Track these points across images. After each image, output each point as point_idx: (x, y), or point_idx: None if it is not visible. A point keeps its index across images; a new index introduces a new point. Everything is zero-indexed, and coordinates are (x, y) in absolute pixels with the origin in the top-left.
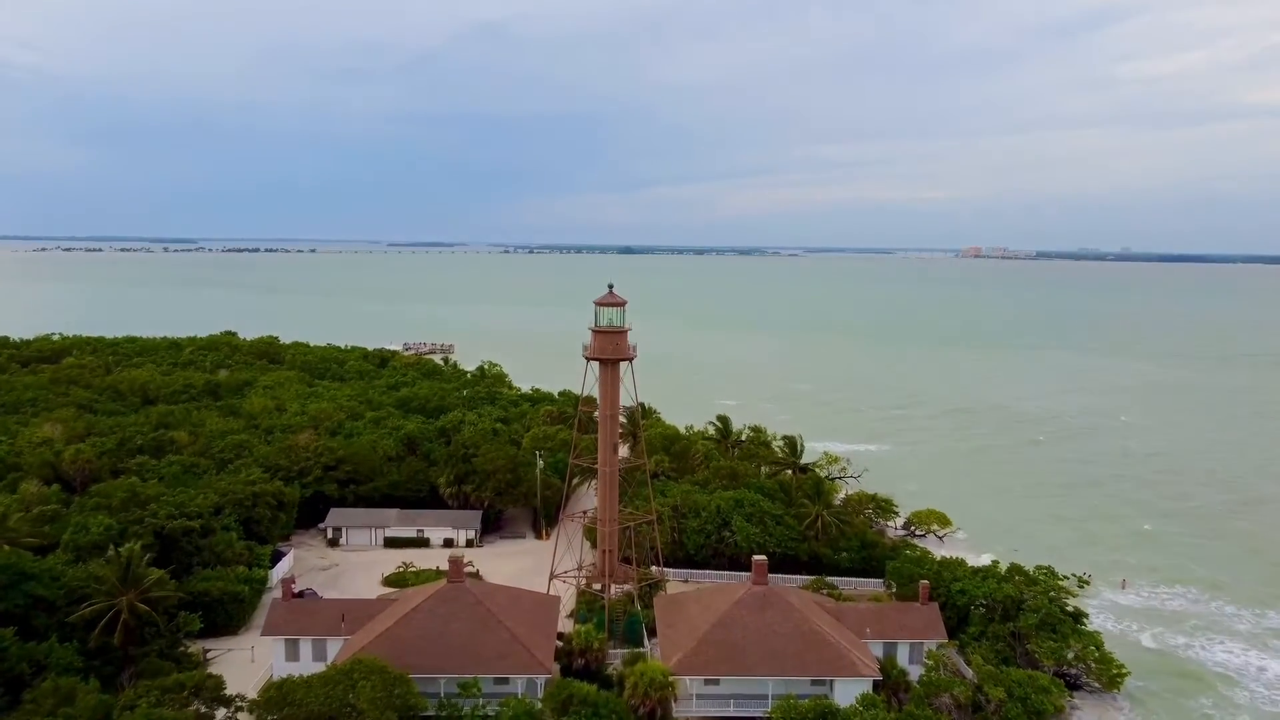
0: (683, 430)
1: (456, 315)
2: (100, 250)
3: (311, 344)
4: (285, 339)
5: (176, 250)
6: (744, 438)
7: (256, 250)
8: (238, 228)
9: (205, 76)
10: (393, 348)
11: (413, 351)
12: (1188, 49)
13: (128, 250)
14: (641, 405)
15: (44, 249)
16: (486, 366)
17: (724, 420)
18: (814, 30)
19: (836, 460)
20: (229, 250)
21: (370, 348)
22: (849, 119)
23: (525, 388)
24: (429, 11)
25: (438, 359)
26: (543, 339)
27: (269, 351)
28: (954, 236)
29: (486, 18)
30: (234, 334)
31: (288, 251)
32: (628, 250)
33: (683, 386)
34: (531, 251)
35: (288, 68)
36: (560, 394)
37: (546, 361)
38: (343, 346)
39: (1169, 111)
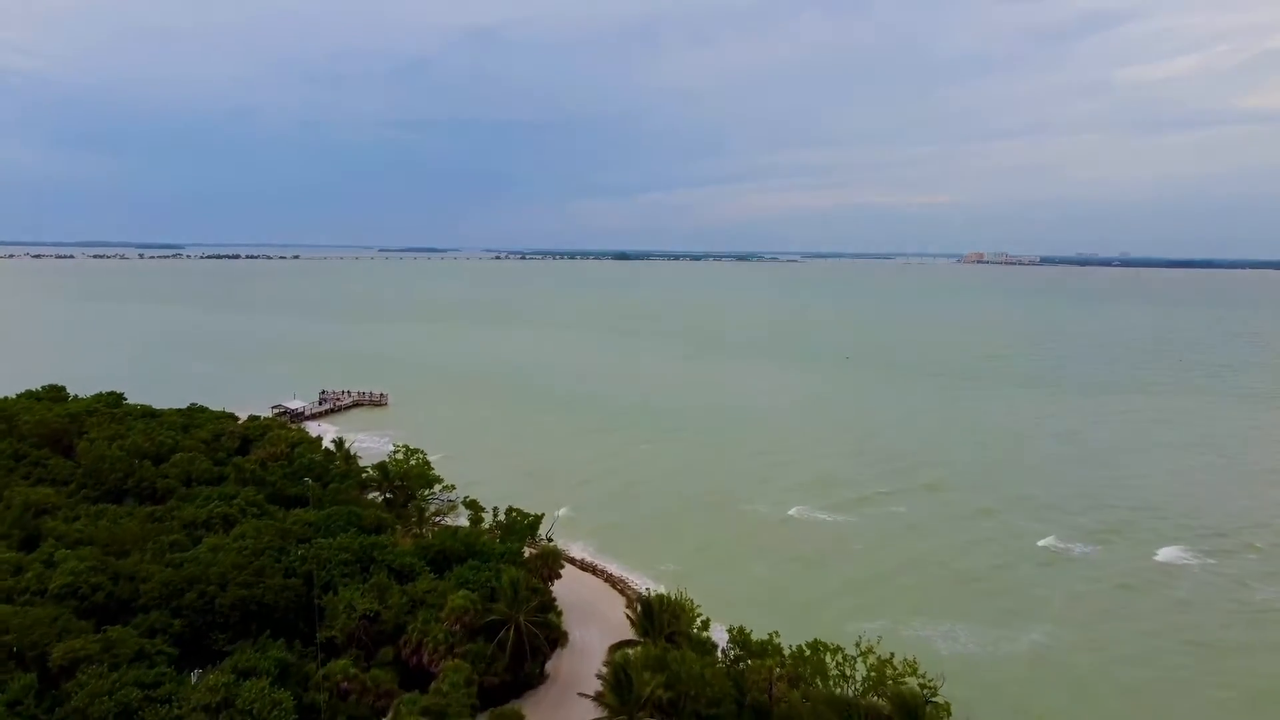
0: (724, 655)
1: (413, 337)
2: (71, 257)
3: (155, 408)
4: (148, 387)
5: (155, 256)
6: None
7: (237, 257)
8: (225, 233)
9: (198, 82)
10: (294, 405)
11: (328, 405)
12: (1181, 54)
13: (101, 256)
14: (668, 598)
15: (12, 255)
16: (395, 460)
17: None
18: (809, 34)
19: None
20: (208, 256)
21: (249, 414)
22: (846, 123)
23: (459, 492)
24: (421, 17)
25: (328, 441)
26: (515, 378)
27: (66, 432)
28: (954, 241)
29: (478, 23)
30: (60, 389)
31: (269, 258)
32: (623, 256)
33: (703, 480)
34: (524, 257)
35: (280, 74)
36: (508, 516)
37: (512, 420)
38: (214, 409)
39: (1162, 116)
